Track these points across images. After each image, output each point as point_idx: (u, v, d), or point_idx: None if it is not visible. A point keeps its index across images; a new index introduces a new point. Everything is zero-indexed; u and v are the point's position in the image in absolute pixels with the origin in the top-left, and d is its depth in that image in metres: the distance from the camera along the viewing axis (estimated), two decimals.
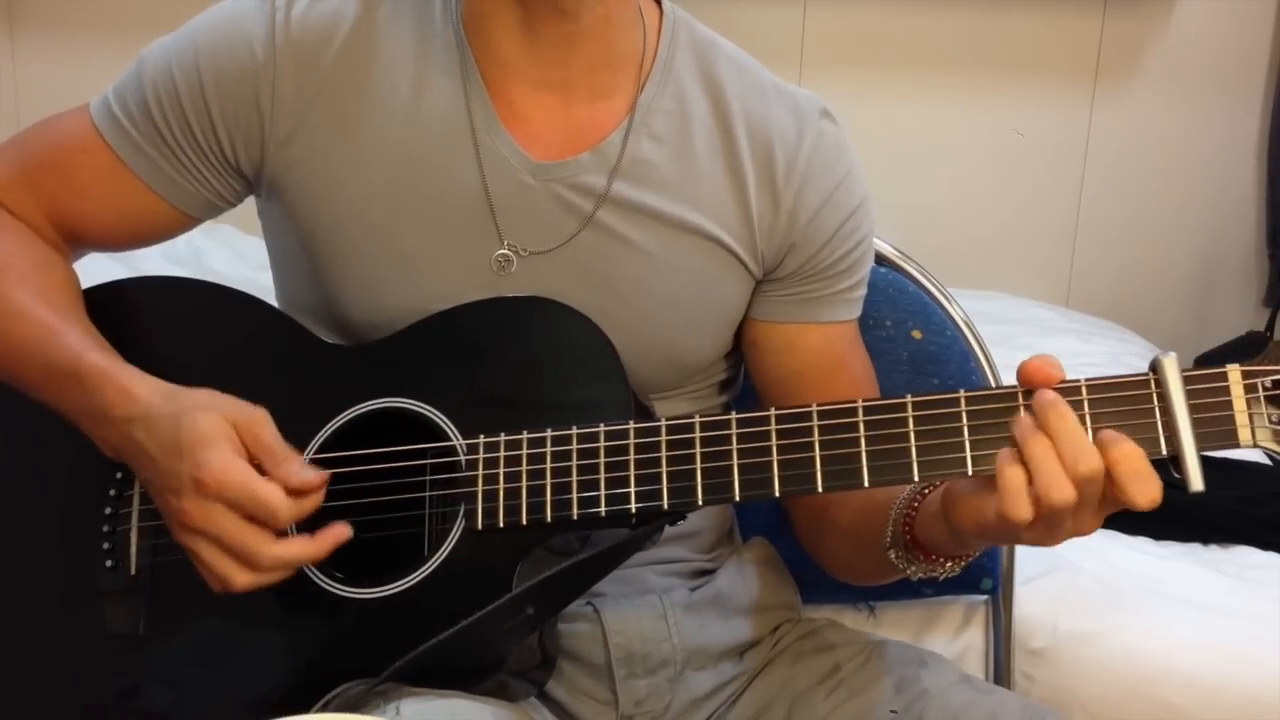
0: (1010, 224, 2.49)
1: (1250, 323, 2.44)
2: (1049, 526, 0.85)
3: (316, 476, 0.93)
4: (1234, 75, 2.40)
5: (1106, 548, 1.56)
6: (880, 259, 1.37)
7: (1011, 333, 2.06)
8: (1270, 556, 1.59)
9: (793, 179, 1.07)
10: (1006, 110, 2.45)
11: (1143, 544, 1.60)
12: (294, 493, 0.92)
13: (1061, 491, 0.83)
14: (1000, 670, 1.41)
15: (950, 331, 1.36)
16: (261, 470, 0.92)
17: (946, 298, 1.38)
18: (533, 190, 1.04)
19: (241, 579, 0.92)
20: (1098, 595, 1.46)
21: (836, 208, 1.08)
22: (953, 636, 1.43)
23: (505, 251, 1.04)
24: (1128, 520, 1.61)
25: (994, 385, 1.34)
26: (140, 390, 0.95)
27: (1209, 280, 2.48)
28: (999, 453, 0.86)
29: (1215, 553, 1.61)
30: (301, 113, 1.04)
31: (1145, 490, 0.83)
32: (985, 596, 1.42)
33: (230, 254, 2.30)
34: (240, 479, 0.90)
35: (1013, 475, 0.84)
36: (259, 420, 0.94)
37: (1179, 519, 1.61)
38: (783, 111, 1.08)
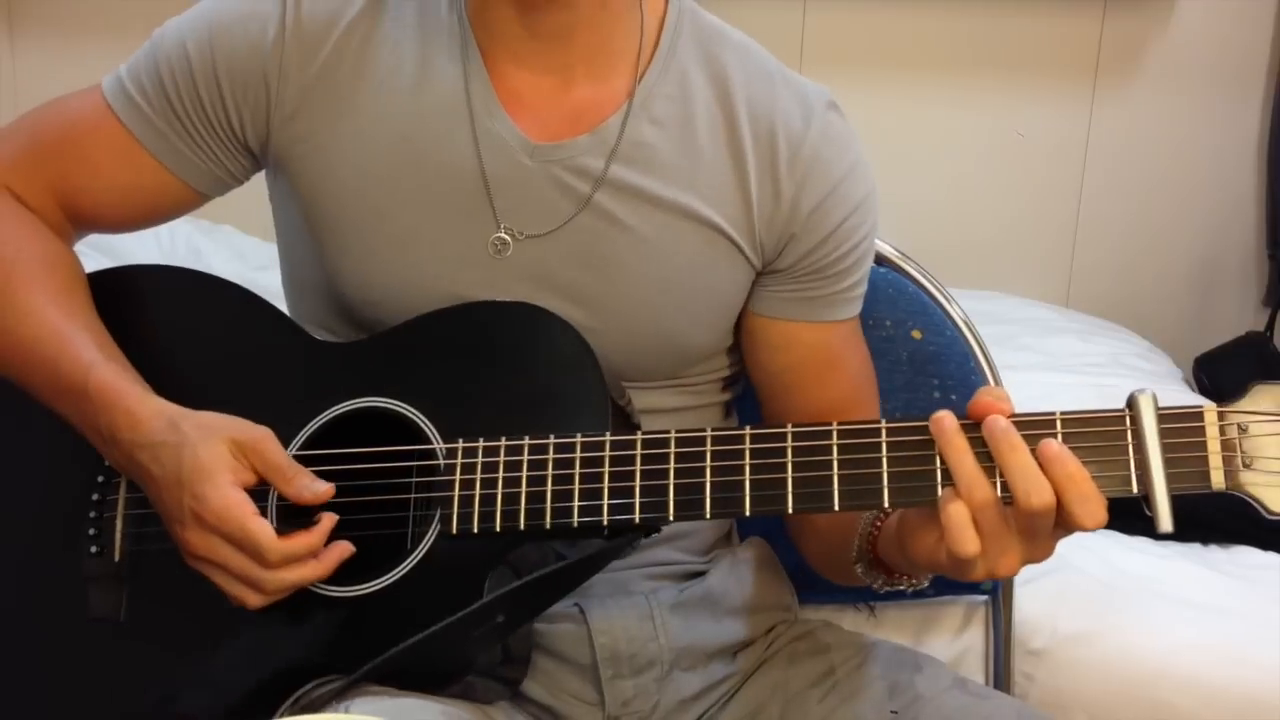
0: (1010, 224, 2.49)
1: (1250, 323, 2.43)
2: (999, 553, 0.85)
3: (326, 488, 0.95)
4: (1234, 75, 2.39)
5: (1106, 548, 1.56)
6: (880, 259, 1.36)
7: (1011, 333, 2.06)
8: (1270, 557, 1.59)
9: (796, 169, 1.06)
10: (1006, 110, 2.45)
11: (1142, 544, 1.60)
12: (309, 505, 0.95)
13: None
14: (1000, 671, 1.41)
15: (950, 332, 1.36)
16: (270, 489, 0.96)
17: (946, 298, 1.38)
18: (530, 171, 1.04)
19: (253, 600, 0.94)
20: (1097, 596, 1.46)
21: (840, 201, 1.07)
22: (952, 637, 1.42)
23: (502, 235, 1.04)
24: (1127, 520, 1.61)
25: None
26: (145, 415, 0.96)
27: (1209, 280, 2.48)
28: (942, 493, 0.85)
29: (1215, 553, 1.61)
30: (307, 90, 1.05)
31: (1092, 514, 0.83)
32: (985, 597, 1.42)
33: (230, 254, 2.30)
34: (236, 515, 0.92)
35: (956, 510, 0.84)
36: (263, 439, 0.95)
37: (1178, 519, 1.61)
38: (789, 100, 1.08)
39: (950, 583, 1.36)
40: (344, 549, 0.95)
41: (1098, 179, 2.46)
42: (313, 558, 0.94)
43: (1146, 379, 1.96)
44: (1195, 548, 1.61)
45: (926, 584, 0.99)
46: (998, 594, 1.40)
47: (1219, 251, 2.47)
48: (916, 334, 1.34)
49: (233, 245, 2.33)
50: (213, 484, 0.93)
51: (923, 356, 1.34)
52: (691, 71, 1.07)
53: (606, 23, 1.05)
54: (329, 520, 0.95)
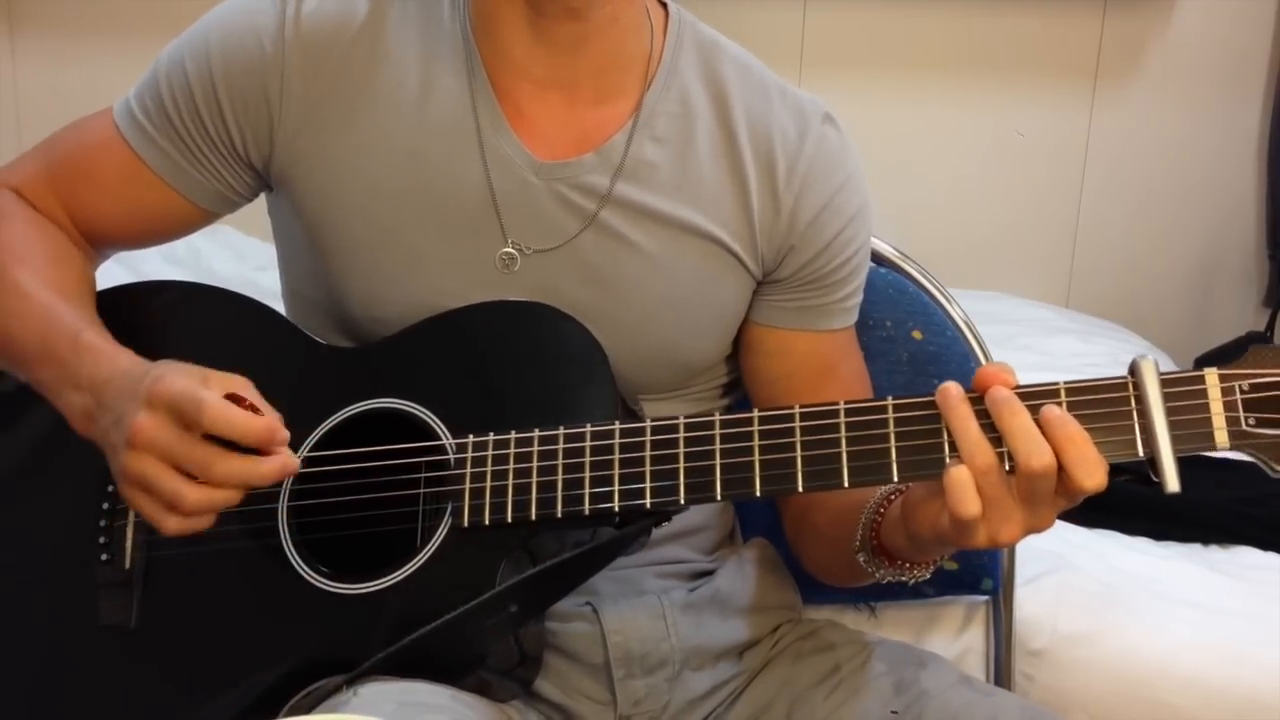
0: (1010, 224, 2.49)
1: (1250, 323, 2.44)
2: (1001, 520, 0.86)
3: (282, 436, 0.91)
4: (1234, 75, 2.40)
5: (1106, 548, 1.56)
6: (880, 259, 1.37)
7: (1012, 333, 2.07)
8: (1270, 557, 1.59)
9: (793, 182, 1.07)
10: (1006, 110, 2.45)
11: (1143, 544, 1.60)
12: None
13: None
14: (1000, 671, 1.41)
15: (950, 332, 1.36)
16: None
17: (947, 298, 1.38)
18: (536, 189, 1.04)
19: (189, 496, 0.90)
20: (1098, 596, 1.46)
21: (836, 213, 1.08)
22: (953, 637, 1.43)
23: (510, 250, 1.05)
24: (1128, 521, 1.61)
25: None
26: (123, 360, 0.96)
27: (1209, 280, 2.48)
28: (948, 461, 0.87)
29: (1215, 553, 1.61)
30: (310, 107, 1.05)
31: (1091, 474, 0.84)
32: (985, 597, 1.42)
33: (230, 254, 2.29)
34: (189, 385, 0.89)
35: (958, 473, 0.85)
36: (239, 378, 0.93)
37: (1179, 520, 1.61)
38: (785, 114, 1.09)
39: (951, 583, 1.37)
40: (286, 462, 0.91)
41: (1098, 179, 2.46)
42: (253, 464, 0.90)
43: None
44: (1195, 548, 1.61)
45: (929, 574, 0.99)
46: (998, 594, 1.41)
47: (1219, 252, 2.47)
48: (917, 334, 1.34)
49: (233, 246, 2.32)
50: (177, 374, 0.90)
51: (923, 357, 1.34)
52: (692, 87, 1.08)
53: (614, 37, 1.05)
54: (274, 417, 0.91)
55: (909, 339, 1.34)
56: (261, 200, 1.15)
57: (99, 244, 1.13)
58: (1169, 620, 1.44)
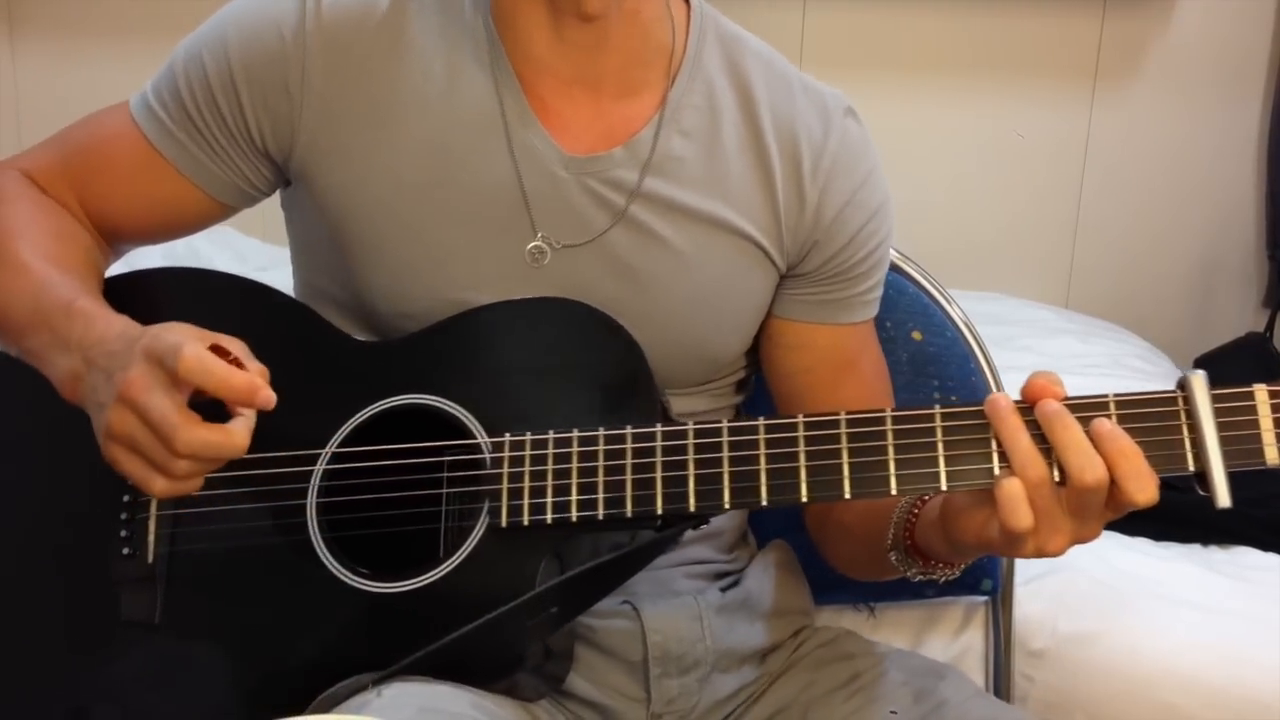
0: (1010, 225, 2.49)
1: (1250, 324, 2.43)
2: (1051, 531, 0.86)
3: (265, 398, 0.88)
4: (1234, 75, 2.39)
5: (1107, 549, 1.56)
6: None
7: (1012, 334, 2.06)
8: (1270, 558, 1.59)
9: (818, 176, 1.08)
10: (1006, 111, 2.45)
11: (1143, 545, 1.60)
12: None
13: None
14: (1000, 671, 1.41)
15: (950, 333, 1.36)
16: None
17: (946, 299, 1.38)
18: (565, 183, 1.04)
19: (180, 466, 0.89)
20: (1098, 596, 1.46)
21: (859, 207, 1.09)
22: (953, 637, 1.42)
23: (539, 244, 1.04)
24: (1128, 521, 1.61)
25: (993, 389, 1.34)
26: (118, 323, 0.95)
27: (1209, 281, 2.48)
28: (998, 472, 0.87)
29: (1215, 554, 1.61)
30: (332, 100, 1.04)
31: (1144, 489, 0.84)
32: (985, 597, 1.42)
33: (230, 255, 2.29)
34: (179, 338, 0.87)
35: (1011, 485, 0.85)
36: (235, 341, 0.92)
37: (1179, 520, 1.61)
38: (809, 108, 1.09)
39: (951, 583, 1.36)
40: (250, 423, 0.88)
41: (1098, 179, 2.46)
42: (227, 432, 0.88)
43: (1146, 380, 1.96)
44: (1195, 549, 1.61)
45: (958, 574, 1.00)
46: (998, 594, 1.40)
47: (1219, 252, 2.47)
48: (917, 335, 1.34)
49: (233, 247, 2.32)
50: (173, 331, 0.89)
51: (923, 358, 1.34)
52: (716, 80, 1.08)
53: (637, 32, 1.05)
54: (258, 375, 0.89)
55: (908, 340, 1.34)
56: (264, 201, 1.14)
57: (112, 238, 1.12)
58: (1169, 621, 1.44)
